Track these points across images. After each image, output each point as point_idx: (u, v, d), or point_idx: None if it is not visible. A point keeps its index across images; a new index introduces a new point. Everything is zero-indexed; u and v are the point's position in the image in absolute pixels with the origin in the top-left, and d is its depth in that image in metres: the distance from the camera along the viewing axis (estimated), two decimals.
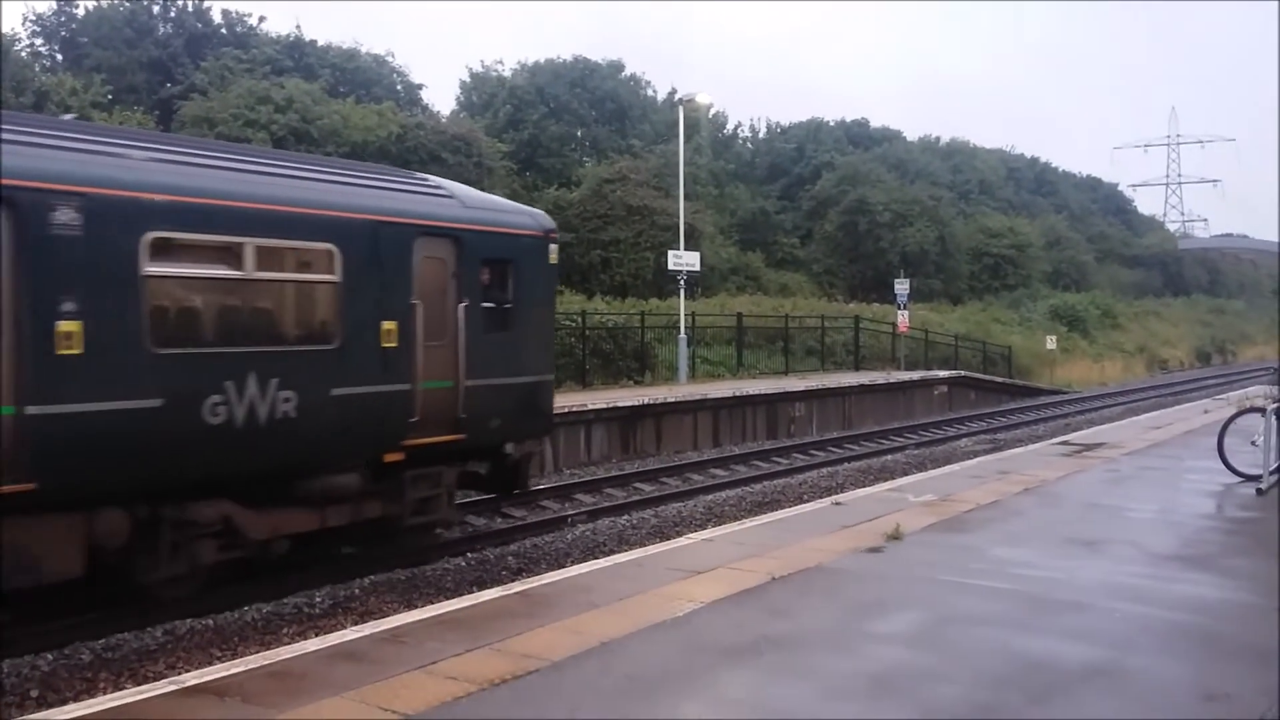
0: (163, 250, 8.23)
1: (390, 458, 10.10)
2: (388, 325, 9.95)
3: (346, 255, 9.58)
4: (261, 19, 43.30)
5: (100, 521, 8.15)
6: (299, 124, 32.46)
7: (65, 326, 7.63)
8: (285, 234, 9.18)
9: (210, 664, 7.24)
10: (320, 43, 43.93)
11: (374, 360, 9.85)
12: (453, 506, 11.47)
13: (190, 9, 41.63)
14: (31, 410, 7.43)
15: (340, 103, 36.55)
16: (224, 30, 42.01)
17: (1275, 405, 12.31)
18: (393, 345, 9.96)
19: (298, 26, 46.24)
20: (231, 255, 8.76)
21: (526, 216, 12.24)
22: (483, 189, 16.09)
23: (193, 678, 5.68)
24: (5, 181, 7.26)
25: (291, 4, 75.23)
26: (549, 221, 12.47)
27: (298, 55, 41.67)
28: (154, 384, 8.17)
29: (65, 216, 7.65)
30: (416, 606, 8.43)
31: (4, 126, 7.61)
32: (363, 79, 43.24)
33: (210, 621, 8.81)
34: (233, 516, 9.11)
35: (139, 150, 8.50)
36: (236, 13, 42.59)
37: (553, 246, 12.15)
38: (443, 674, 5.51)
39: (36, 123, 8.85)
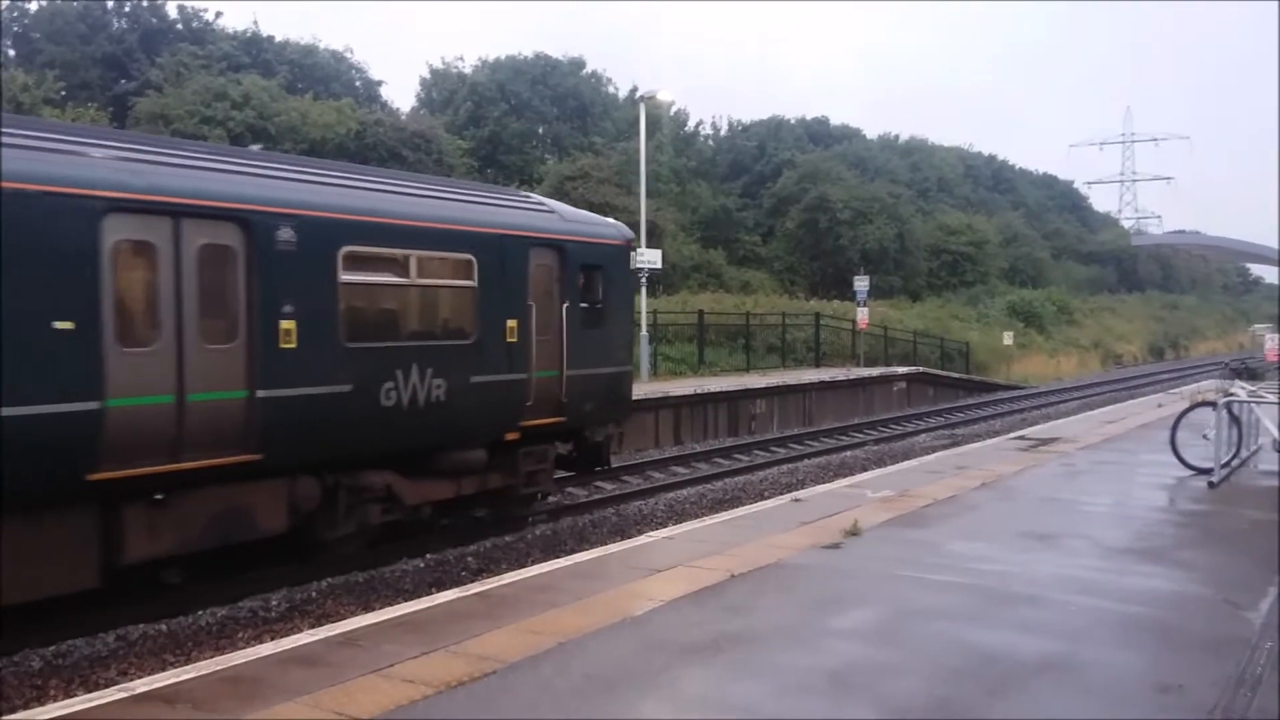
0: (352, 261, 9.97)
1: (510, 436, 11.95)
2: (511, 323, 11.75)
3: (481, 264, 11.36)
4: (218, 14, 42.64)
5: (299, 487, 9.87)
6: (256, 120, 32.15)
7: (285, 325, 9.33)
8: (439, 246, 11.00)
9: (163, 669, 7.15)
10: (278, 39, 43.58)
11: (501, 353, 11.63)
12: (552, 479, 13.25)
13: (145, 4, 41.05)
14: (260, 394, 9.10)
15: (298, 99, 36.25)
16: (179, 26, 41.46)
17: (1226, 399, 12.52)
18: (514, 340, 11.80)
19: (255, 22, 45.80)
20: (400, 265, 10.57)
21: (611, 228, 14.08)
22: None
23: (144, 684, 5.58)
24: (242, 206, 9.05)
25: (248, 0, 74.66)
26: (629, 232, 14.42)
27: (255, 51, 41.25)
28: (346, 373, 9.90)
29: (286, 235, 9.38)
30: (374, 609, 8.35)
31: (236, 160, 9.82)
32: (321, 75, 42.90)
33: (164, 626, 8.70)
34: (393, 485, 10.84)
35: (333, 179, 10.40)
36: (192, 8, 42.06)
37: (632, 253, 14.41)
38: (399, 677, 5.45)
39: (250, 155, 11.34)
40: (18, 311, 7.46)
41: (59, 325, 7.75)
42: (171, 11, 41.65)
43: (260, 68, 38.99)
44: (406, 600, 8.22)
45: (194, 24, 41.81)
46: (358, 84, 45.49)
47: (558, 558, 9.22)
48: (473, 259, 11.29)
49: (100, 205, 7.98)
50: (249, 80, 34.35)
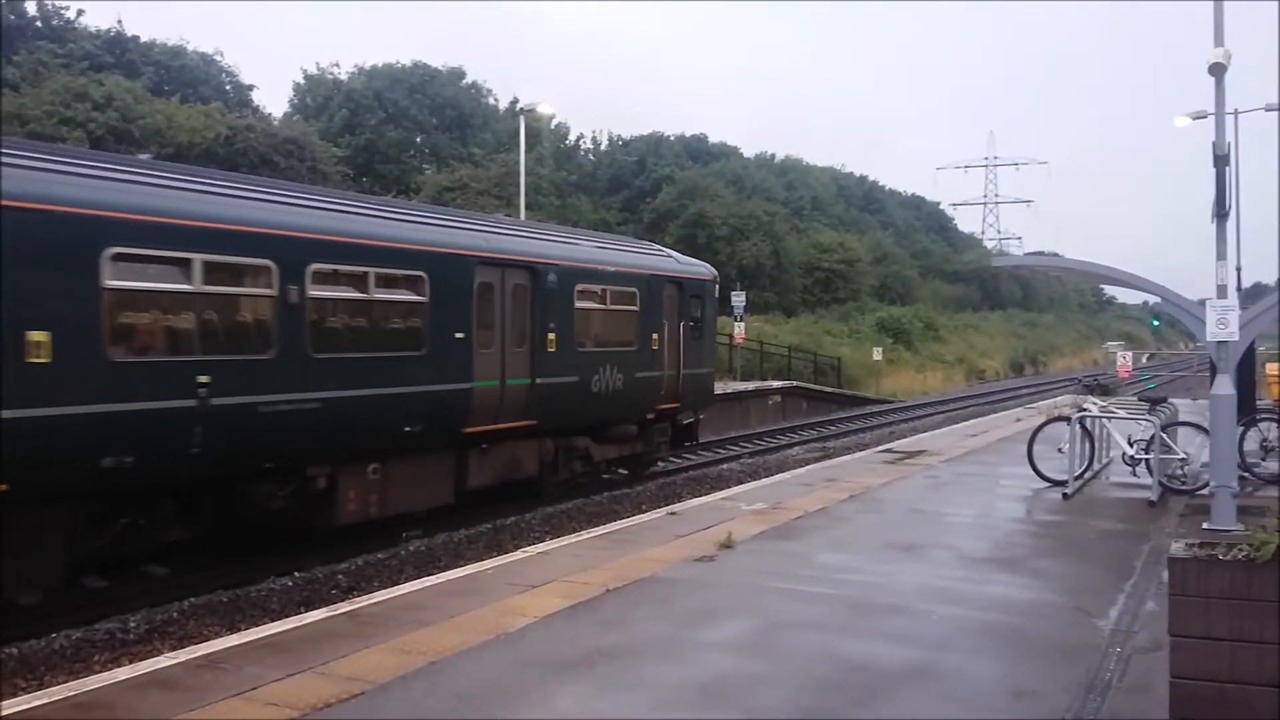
0: (579, 294, 15.04)
1: (649, 416, 17.05)
2: (655, 335, 16.88)
3: (641, 294, 16.54)
4: (79, 12, 40.77)
5: (545, 445, 14.68)
6: (119, 123, 30.90)
7: (550, 336, 14.27)
8: (620, 283, 16.13)
9: (14, 695, 6.77)
10: (144, 39, 41.98)
11: (650, 356, 16.72)
12: (667, 448, 18.45)
13: (2, 1, 39.09)
14: (538, 381, 14.03)
15: (164, 102, 35.00)
16: (39, 23, 39.58)
17: (1079, 415, 13.10)
18: (656, 348, 16.89)
19: (119, 21, 43.70)
20: (600, 296, 15.69)
21: (703, 267, 19.93)
22: None
23: None
24: (532, 259, 14.10)
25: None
26: (713, 271, 20.31)
27: (119, 51, 39.70)
28: (577, 369, 14.94)
29: (551, 277, 14.40)
30: (238, 629, 8.09)
31: (526, 229, 16.11)
32: (189, 78, 41.54)
33: (15, 650, 8.25)
34: (589, 447, 15.84)
35: (570, 239, 16.41)
36: (53, 5, 40.19)
37: (716, 286, 19.85)
38: (262, 700, 5.30)
39: (532, 226, 18.05)
40: (441, 325, 12.38)
41: (458, 335, 12.62)
42: (30, 8, 39.77)
43: (124, 68, 37.51)
44: (273, 620, 8.00)
45: (54, 21, 39.98)
46: (228, 88, 44.15)
47: (430, 575, 9.09)
48: (636, 291, 16.46)
49: (474, 261, 13.06)
50: (112, 81, 32.99)
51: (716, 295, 20.08)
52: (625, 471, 17.46)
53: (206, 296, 9.66)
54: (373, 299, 11.55)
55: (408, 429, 11.84)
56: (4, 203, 8.02)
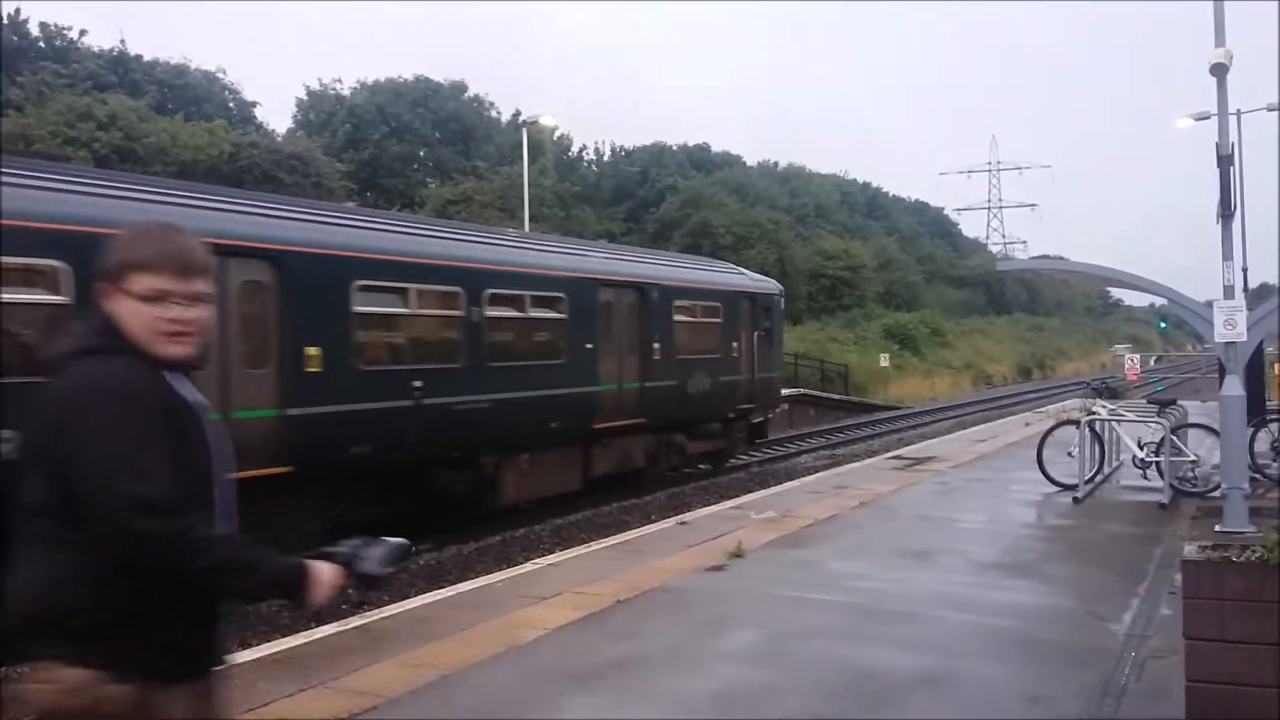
0: (675, 309, 17.64)
1: (730, 415, 19.53)
2: (735, 344, 19.38)
3: (723, 308, 19.12)
4: (83, 32, 41.02)
5: (650, 440, 17.25)
6: (123, 142, 31.03)
7: (655, 345, 16.95)
8: (708, 299, 18.78)
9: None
10: (146, 58, 42.17)
11: (731, 363, 19.21)
12: (744, 443, 21.00)
13: (5, 22, 39.31)
14: (647, 385, 16.72)
15: (168, 120, 35.15)
16: (41, 44, 39.83)
17: (1089, 418, 13.06)
18: (736, 355, 19.39)
19: (122, 41, 44.00)
20: (690, 310, 18.13)
21: (771, 283, 22.74)
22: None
23: None
24: (639, 280, 16.94)
25: (116, 18, 72.12)
26: (779, 285, 23.49)
27: (122, 70, 39.90)
28: (678, 374, 17.43)
29: (655, 295, 17.06)
30: (249, 645, 8.07)
31: (639, 254, 19.31)
32: (192, 96, 41.72)
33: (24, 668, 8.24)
34: (683, 442, 18.26)
35: (666, 262, 19.71)
36: (56, 25, 40.45)
37: (781, 299, 22.70)
38: (273, 716, 5.28)
39: (639, 251, 21.64)
40: (576, 338, 15.07)
41: (588, 346, 15.23)
42: (34, 29, 40.00)
43: (127, 87, 37.68)
44: (283, 635, 7.97)
45: (57, 42, 40.23)
46: (231, 105, 44.34)
47: (441, 588, 9.06)
48: (720, 305, 19.02)
49: (598, 283, 15.95)
50: (115, 100, 33.14)
51: (782, 307, 23.35)
52: (707, 466, 19.91)
53: (418, 318, 12.75)
54: (529, 317, 14.47)
55: (553, 425, 14.47)
56: (291, 248, 10.97)
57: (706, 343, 18.52)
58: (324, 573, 2.50)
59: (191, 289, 2.47)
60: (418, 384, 12.13)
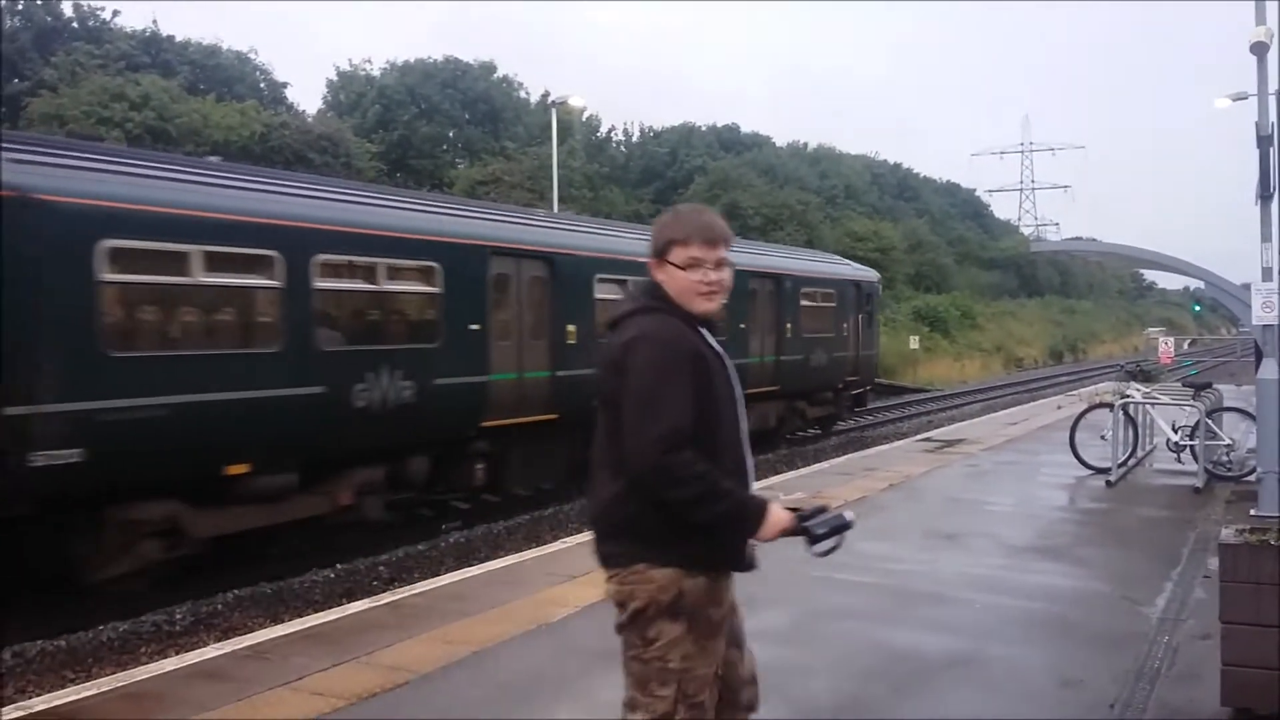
0: (803, 295, 20.84)
1: (839, 386, 22.67)
2: (845, 324, 22.60)
3: (836, 294, 22.39)
4: (115, 13, 41.19)
5: (781, 406, 20.49)
6: (156, 122, 31.24)
7: (787, 325, 20.24)
8: (824, 286, 21.99)
9: (63, 687, 6.88)
10: (178, 38, 42.38)
11: (842, 341, 22.45)
12: (848, 411, 24.26)
13: (39, 2, 39.60)
14: (781, 358, 20.02)
15: (200, 100, 35.32)
16: (75, 24, 40.05)
17: (1122, 401, 12.95)
18: (845, 334, 22.60)
19: (154, 21, 44.36)
20: (813, 296, 21.37)
21: (872, 272, 26.40)
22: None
23: (42, 703, 5.39)
24: (775, 271, 20.08)
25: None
26: (878, 274, 27.40)
27: (154, 51, 40.10)
28: (801, 350, 20.76)
29: (788, 283, 20.34)
30: (282, 621, 8.18)
31: (771, 248, 23.24)
32: (224, 76, 41.88)
33: (63, 642, 8.38)
34: (804, 408, 21.42)
35: (789, 255, 22.84)
36: (89, 6, 40.62)
37: (880, 286, 26.73)
38: (308, 690, 5.35)
39: (757, 244, 24.08)
40: (734, 317, 17.38)
41: (741, 325, 18.12)
42: (67, 10, 40.23)
43: (160, 68, 37.88)
44: (316, 611, 8.06)
45: (90, 23, 40.45)
46: (262, 85, 44.48)
47: (471, 565, 9.13)
48: (833, 291, 22.29)
49: (747, 274, 18.28)
50: (148, 80, 33.32)
51: (880, 294, 27.69)
52: (818, 430, 22.95)
53: (600, 301, 14.68)
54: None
55: None
56: (560, 251, 14.36)
57: (824, 324, 21.75)
58: (779, 516, 3.01)
59: (717, 255, 3.09)
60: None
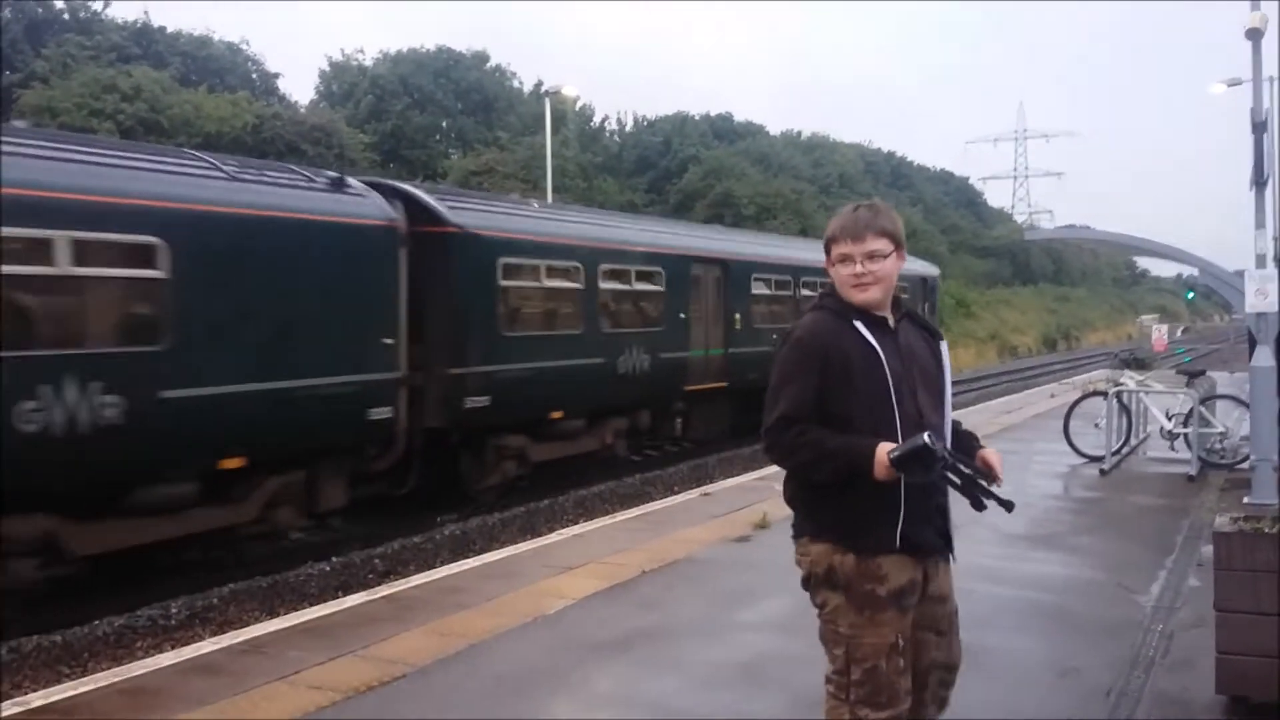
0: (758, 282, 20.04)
1: None
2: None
3: (911, 287, 23.80)
4: (106, 4, 41.02)
5: None
6: (148, 114, 31.08)
7: (737, 315, 18.94)
8: (909, 281, 23.50)
9: (59, 682, 6.88)
10: (170, 29, 42.15)
11: None
12: None
13: None
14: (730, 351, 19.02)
15: (192, 92, 35.13)
16: (66, 16, 39.77)
17: (1116, 389, 12.96)
18: None
19: (145, 13, 44.18)
20: (903, 289, 20.90)
21: (934, 267, 29.88)
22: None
23: (39, 698, 5.38)
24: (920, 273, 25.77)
25: None
26: (938, 268, 30.97)
27: (146, 42, 39.86)
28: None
29: (932, 282, 27.34)
30: (278, 614, 8.16)
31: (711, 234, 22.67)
32: (215, 67, 41.66)
33: (59, 637, 8.35)
34: None
35: (765, 240, 24.67)
36: None
37: (939, 279, 29.91)
38: (305, 683, 5.34)
39: (689, 226, 23.91)
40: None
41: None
42: (58, 2, 40.02)
43: (151, 59, 37.68)
44: (312, 605, 8.06)
45: (81, 14, 40.17)
46: (254, 76, 44.25)
47: (467, 558, 9.12)
48: (908, 285, 22.69)
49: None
50: (140, 72, 33.15)
51: (939, 286, 30.78)
52: None
53: (774, 297, 19.93)
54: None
55: None
56: (730, 258, 18.85)
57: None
58: (881, 456, 3.14)
59: (865, 249, 3.34)
60: (775, 335, 17.40)
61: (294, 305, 10.03)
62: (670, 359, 16.58)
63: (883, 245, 3.37)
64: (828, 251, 3.43)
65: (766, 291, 19.75)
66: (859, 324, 3.33)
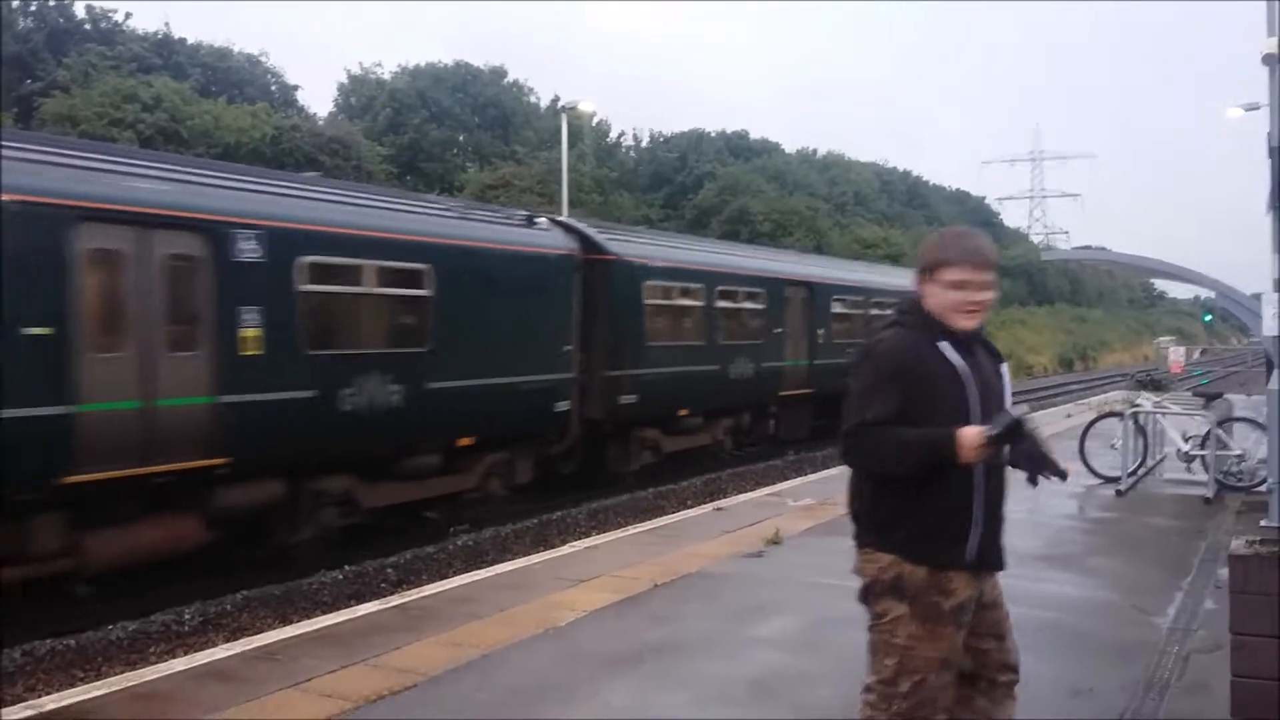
0: (836, 302, 22.50)
1: None
2: None
3: None
4: (128, 15, 41.27)
5: (817, 406, 21.41)
6: (168, 124, 31.35)
7: (820, 331, 21.41)
8: None
9: (72, 686, 6.91)
10: (190, 41, 42.51)
11: None
12: None
13: (52, 3, 39.74)
14: (815, 362, 20.72)
15: (212, 103, 35.44)
16: (88, 26, 40.17)
17: (1132, 410, 12.90)
18: None
19: (166, 24, 44.26)
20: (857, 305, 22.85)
21: None
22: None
23: (52, 701, 5.40)
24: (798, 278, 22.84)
25: (160, 1, 72.65)
26: None
27: (166, 53, 40.22)
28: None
29: (820, 291, 21.99)
30: (291, 622, 8.19)
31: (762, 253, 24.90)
32: (235, 79, 42.00)
33: (73, 642, 8.39)
34: None
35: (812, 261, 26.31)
36: (101, 8, 40.75)
37: None
38: (317, 691, 5.35)
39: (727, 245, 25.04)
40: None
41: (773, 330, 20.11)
42: (80, 11, 40.37)
43: (172, 70, 38.00)
44: (325, 613, 8.06)
45: (102, 24, 40.56)
46: (273, 88, 44.59)
47: (479, 569, 9.13)
48: None
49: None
50: (160, 82, 33.45)
51: None
52: None
53: (842, 315, 22.19)
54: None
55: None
56: (816, 280, 21.28)
57: None
58: (968, 436, 3.20)
59: (983, 278, 3.37)
60: (849, 348, 18.93)
61: (508, 317, 12.81)
62: (769, 368, 19.17)
63: (993, 277, 3.45)
64: (930, 272, 3.40)
65: (844, 310, 22.19)
66: (944, 344, 3.37)
